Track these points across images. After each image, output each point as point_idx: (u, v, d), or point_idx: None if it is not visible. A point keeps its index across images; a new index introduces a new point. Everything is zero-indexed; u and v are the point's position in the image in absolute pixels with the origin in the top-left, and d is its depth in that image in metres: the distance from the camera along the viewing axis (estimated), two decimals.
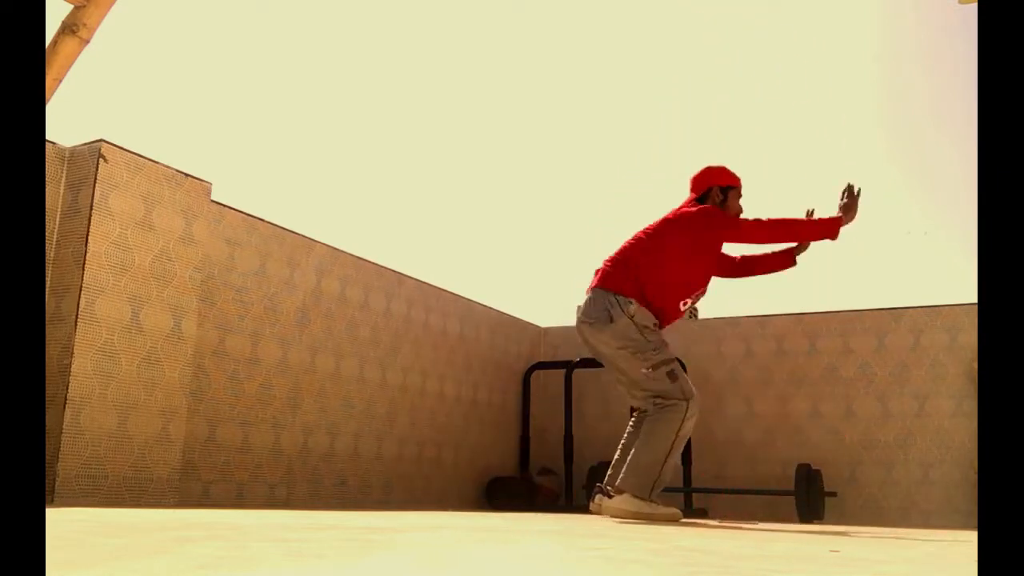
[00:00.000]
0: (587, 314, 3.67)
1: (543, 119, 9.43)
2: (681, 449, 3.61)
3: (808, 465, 4.81)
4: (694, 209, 3.71)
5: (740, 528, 3.26)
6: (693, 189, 3.83)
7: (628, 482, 3.49)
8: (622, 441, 3.77)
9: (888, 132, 9.31)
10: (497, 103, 9.28)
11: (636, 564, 1.30)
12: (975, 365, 4.92)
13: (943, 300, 5.16)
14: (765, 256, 3.96)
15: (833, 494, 4.86)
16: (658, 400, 3.57)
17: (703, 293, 3.84)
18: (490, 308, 5.67)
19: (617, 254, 3.75)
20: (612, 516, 3.51)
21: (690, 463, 5.17)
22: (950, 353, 5.04)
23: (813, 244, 3.88)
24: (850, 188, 3.74)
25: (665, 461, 3.52)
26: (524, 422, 5.82)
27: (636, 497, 3.46)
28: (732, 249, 3.93)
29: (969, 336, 4.98)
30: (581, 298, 3.77)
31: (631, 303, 3.59)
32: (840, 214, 3.70)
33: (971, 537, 2.94)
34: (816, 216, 3.77)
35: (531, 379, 5.88)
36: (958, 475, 4.88)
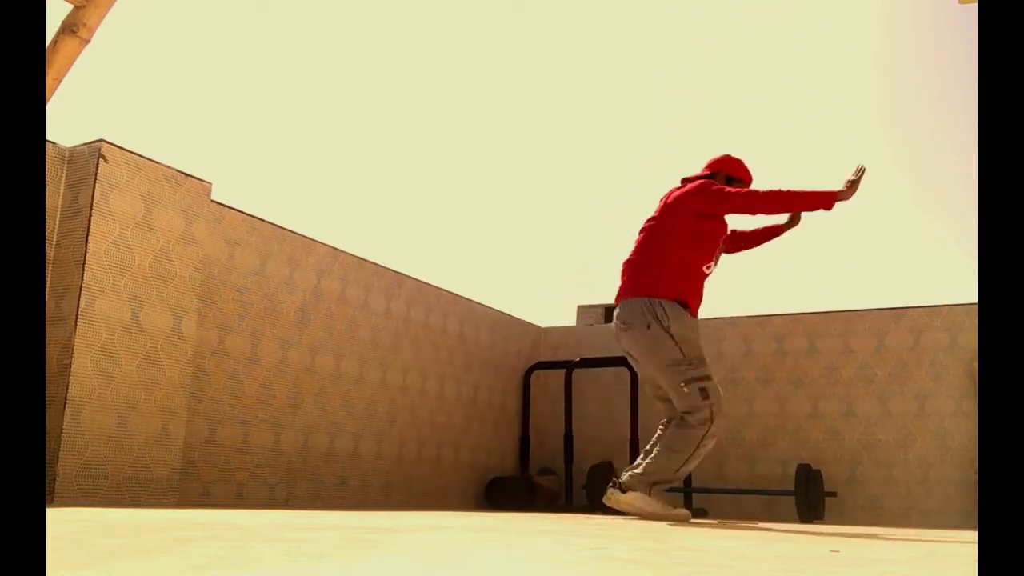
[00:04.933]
0: (624, 320, 3.78)
1: (543, 119, 9.43)
2: (696, 463, 3.74)
3: (808, 465, 4.81)
4: (689, 188, 3.81)
5: (740, 528, 3.26)
6: (706, 167, 3.96)
7: (637, 480, 3.65)
8: (651, 442, 3.86)
9: (888, 132, 9.31)
10: (497, 104, 9.27)
11: (636, 564, 1.30)
12: (975, 365, 4.92)
13: (943, 300, 5.16)
14: (756, 231, 4.10)
15: (833, 494, 4.86)
16: (686, 415, 3.67)
17: (719, 255, 3.94)
18: (490, 308, 5.67)
19: (634, 255, 3.85)
20: (624, 510, 3.67)
21: None
22: (950, 353, 5.03)
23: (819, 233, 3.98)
24: (861, 169, 3.68)
25: (677, 471, 3.68)
26: (524, 422, 5.82)
27: (646, 495, 3.62)
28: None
29: (969, 336, 4.98)
30: (581, 298, 3.84)
31: (662, 305, 3.69)
32: (841, 189, 3.63)
33: (971, 537, 2.94)
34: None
35: (531, 379, 5.88)
36: (958, 475, 4.87)
